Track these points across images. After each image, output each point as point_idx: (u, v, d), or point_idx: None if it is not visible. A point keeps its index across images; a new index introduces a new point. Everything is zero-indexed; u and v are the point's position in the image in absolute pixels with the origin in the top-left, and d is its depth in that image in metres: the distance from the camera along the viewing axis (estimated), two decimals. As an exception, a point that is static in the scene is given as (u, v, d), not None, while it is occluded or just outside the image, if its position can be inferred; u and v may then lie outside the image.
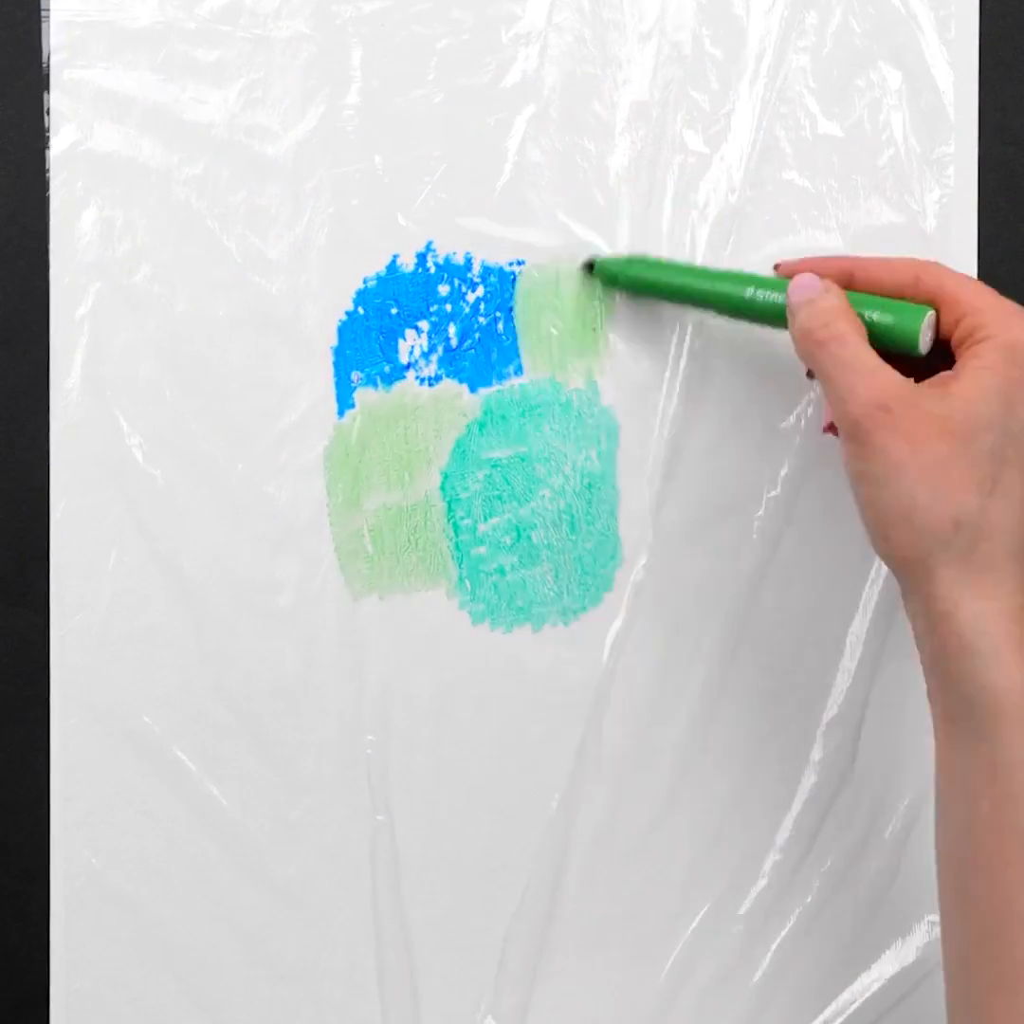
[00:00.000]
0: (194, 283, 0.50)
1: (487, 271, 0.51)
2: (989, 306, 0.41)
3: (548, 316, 0.51)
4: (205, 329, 0.50)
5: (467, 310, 0.51)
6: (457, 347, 0.51)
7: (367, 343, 0.51)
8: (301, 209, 0.50)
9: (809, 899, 0.51)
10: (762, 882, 0.51)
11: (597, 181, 0.51)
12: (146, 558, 0.50)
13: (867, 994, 0.51)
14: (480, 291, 0.51)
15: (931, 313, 0.41)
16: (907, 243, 0.51)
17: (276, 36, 0.50)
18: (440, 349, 0.51)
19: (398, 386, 0.51)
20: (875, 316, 0.42)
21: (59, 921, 0.50)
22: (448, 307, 0.51)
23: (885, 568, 0.51)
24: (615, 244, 0.50)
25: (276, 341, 0.50)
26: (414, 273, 0.51)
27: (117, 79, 0.50)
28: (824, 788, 0.51)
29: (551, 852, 0.51)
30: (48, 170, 0.50)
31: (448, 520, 0.51)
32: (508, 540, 0.51)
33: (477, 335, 0.51)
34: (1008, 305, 0.41)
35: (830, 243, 0.51)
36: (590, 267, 0.50)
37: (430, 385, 0.51)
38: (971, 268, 0.51)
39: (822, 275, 0.43)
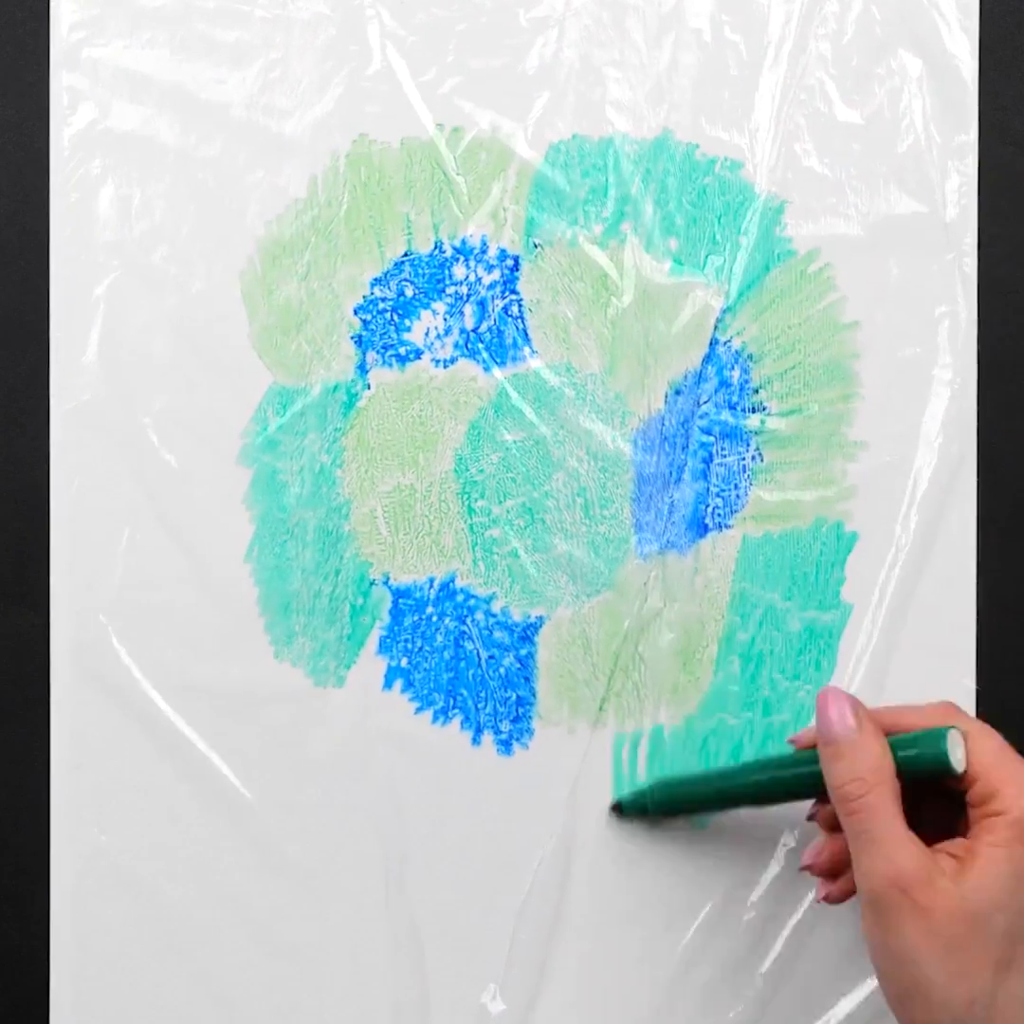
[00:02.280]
0: (211, 263, 0.50)
1: (503, 254, 0.51)
2: (1003, 774, 0.40)
3: (563, 300, 0.51)
4: (222, 309, 0.50)
5: (483, 292, 0.51)
6: (473, 329, 0.51)
7: (383, 325, 0.50)
8: (318, 190, 0.50)
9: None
10: (774, 869, 0.51)
11: (614, 167, 0.51)
12: (155, 544, 0.50)
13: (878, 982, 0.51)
14: (496, 274, 0.51)
15: (955, 731, 0.41)
16: (927, 231, 0.51)
17: (295, 16, 0.50)
18: (456, 331, 0.51)
19: (413, 367, 0.51)
20: (903, 748, 0.41)
21: (63, 902, 0.50)
22: (464, 289, 0.51)
23: (901, 554, 0.51)
24: (638, 229, 0.50)
25: (293, 322, 0.50)
26: (430, 255, 0.51)
27: (135, 58, 0.50)
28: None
29: (561, 838, 0.50)
30: (49, 168, 0.50)
31: (462, 502, 0.50)
32: (522, 523, 0.50)
33: (493, 317, 0.51)
34: (1021, 773, 0.41)
35: (849, 230, 0.51)
36: (619, 809, 0.50)
37: (445, 367, 0.51)
38: (966, 268, 0.51)
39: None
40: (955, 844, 0.41)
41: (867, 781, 0.41)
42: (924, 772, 0.41)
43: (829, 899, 0.44)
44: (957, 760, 0.41)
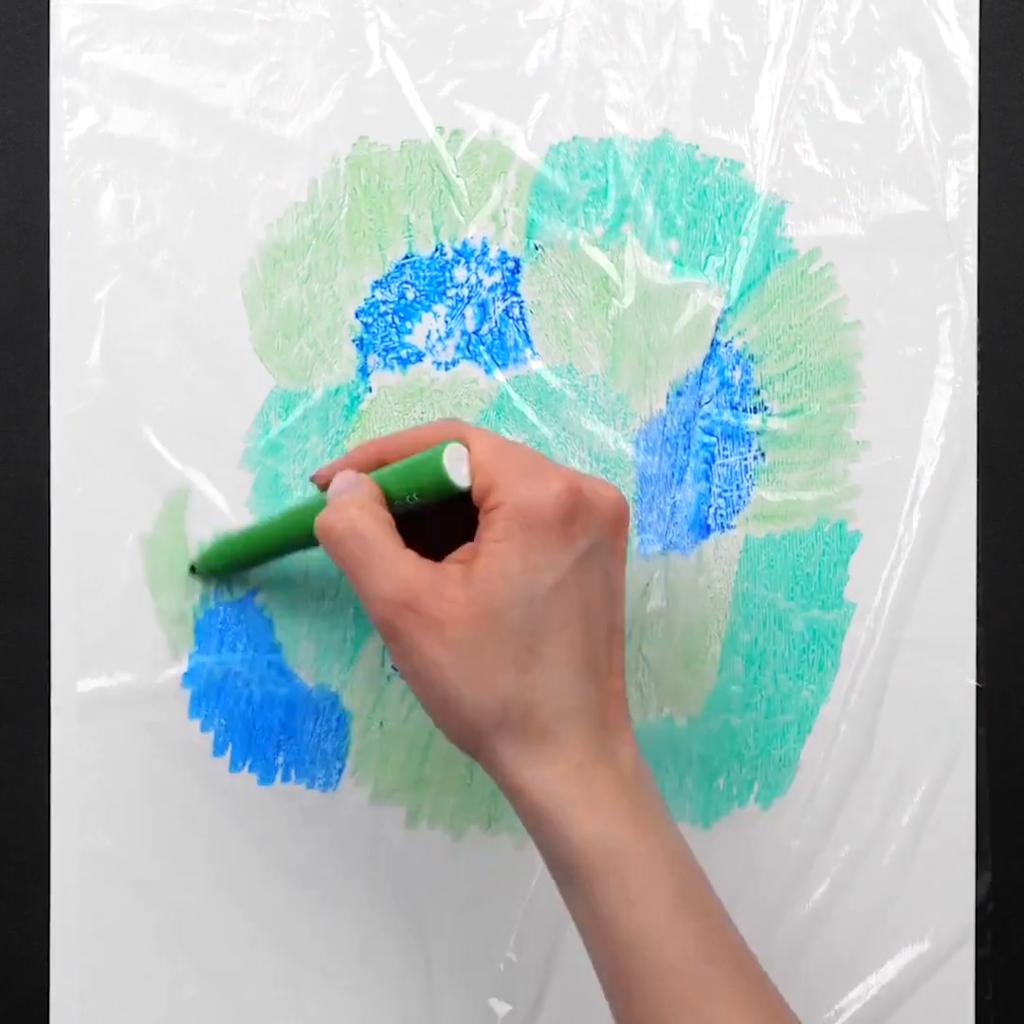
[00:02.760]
0: (212, 266, 0.50)
1: (504, 256, 0.51)
2: (502, 466, 0.39)
3: (564, 301, 0.51)
4: (223, 312, 0.50)
5: (484, 294, 0.51)
6: (474, 331, 0.51)
7: (384, 327, 0.50)
8: (318, 193, 0.50)
9: (825, 885, 0.51)
10: (779, 868, 0.51)
11: (614, 168, 0.51)
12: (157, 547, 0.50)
13: (882, 983, 0.51)
14: (497, 276, 0.51)
15: (454, 446, 0.40)
16: (927, 230, 0.51)
17: (294, 20, 0.50)
18: (457, 333, 0.51)
19: (415, 370, 0.51)
20: (402, 477, 0.41)
21: (63, 902, 0.50)
22: (465, 291, 0.51)
23: (903, 554, 0.51)
24: (639, 230, 0.50)
25: (294, 325, 0.50)
26: (431, 257, 0.51)
27: (135, 62, 0.50)
28: (841, 775, 0.51)
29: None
30: (49, 170, 0.50)
31: (464, 504, 0.50)
32: (524, 525, 0.50)
33: (494, 320, 0.51)
34: (522, 462, 0.40)
35: (850, 230, 0.51)
36: (192, 570, 0.50)
37: (447, 369, 0.51)
38: (967, 267, 0.51)
39: (356, 468, 0.42)
40: (463, 549, 0.40)
41: (347, 511, 0.40)
42: (431, 493, 0.40)
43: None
44: (461, 476, 0.39)
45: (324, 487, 0.44)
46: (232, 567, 0.49)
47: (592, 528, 0.39)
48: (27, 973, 0.50)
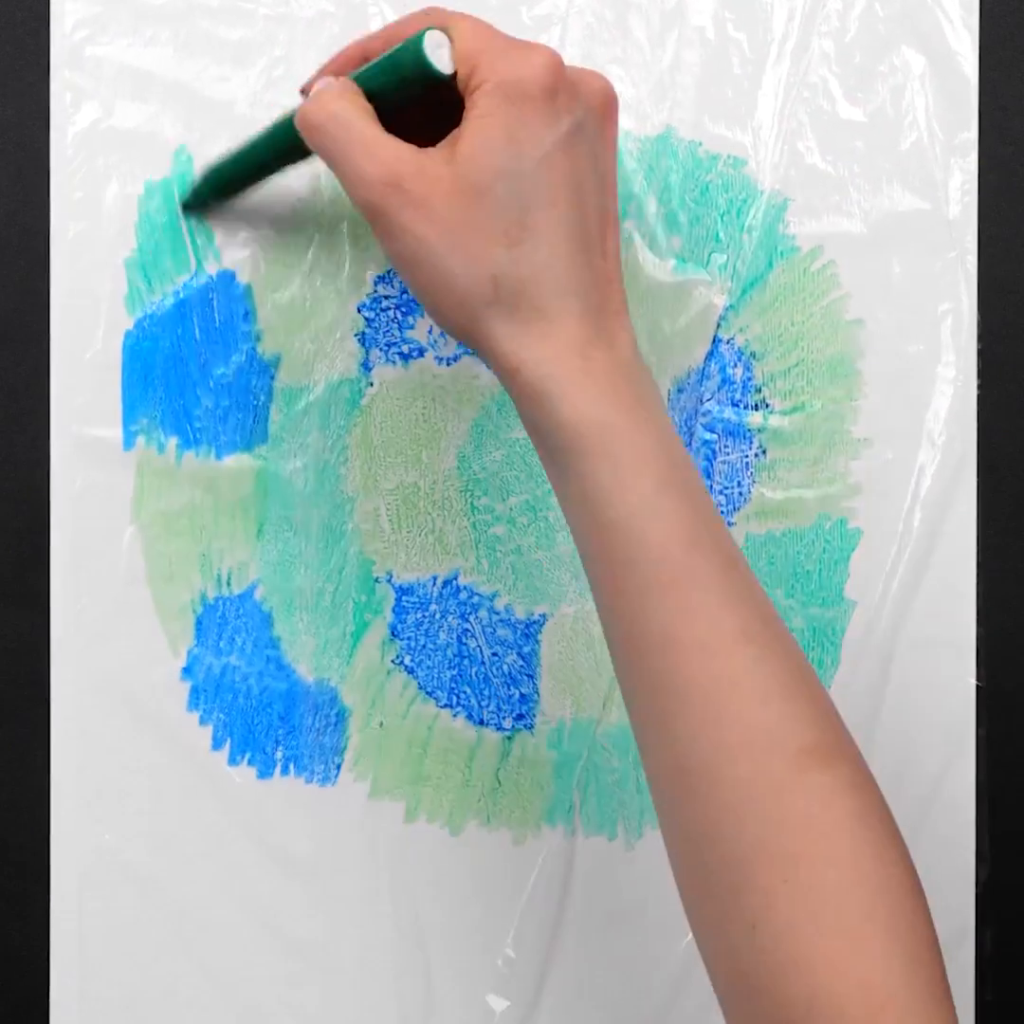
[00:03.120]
0: (215, 261, 0.50)
1: (507, 251, 0.51)
2: (484, 45, 0.38)
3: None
4: (225, 306, 0.50)
5: (486, 290, 0.51)
6: (476, 327, 0.51)
7: (387, 322, 0.50)
8: (322, 188, 0.50)
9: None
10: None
11: (619, 180, 0.50)
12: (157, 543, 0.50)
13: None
14: (500, 271, 0.51)
15: (434, 32, 0.39)
16: (930, 228, 0.51)
17: (298, 14, 0.50)
18: (459, 329, 0.51)
19: (417, 365, 0.51)
20: (383, 68, 0.40)
21: (63, 902, 0.50)
22: (467, 287, 0.51)
23: (904, 552, 0.51)
24: (641, 226, 0.50)
25: (296, 321, 0.50)
26: (434, 253, 0.50)
27: (138, 56, 0.50)
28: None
29: (564, 834, 0.51)
30: (49, 170, 0.50)
31: (466, 499, 0.50)
32: (525, 520, 0.51)
33: (496, 315, 0.50)
34: (503, 41, 0.39)
35: (852, 228, 0.51)
36: (186, 207, 0.50)
37: (449, 365, 0.51)
38: (969, 265, 0.51)
39: (345, 73, 0.41)
40: (450, 135, 0.39)
41: (324, 99, 0.39)
42: (415, 83, 0.39)
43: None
44: (443, 62, 0.39)
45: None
46: (223, 194, 0.49)
47: (577, 107, 0.39)
48: (27, 973, 0.50)
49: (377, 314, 0.51)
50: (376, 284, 0.51)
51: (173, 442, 0.50)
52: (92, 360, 0.50)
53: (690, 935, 0.50)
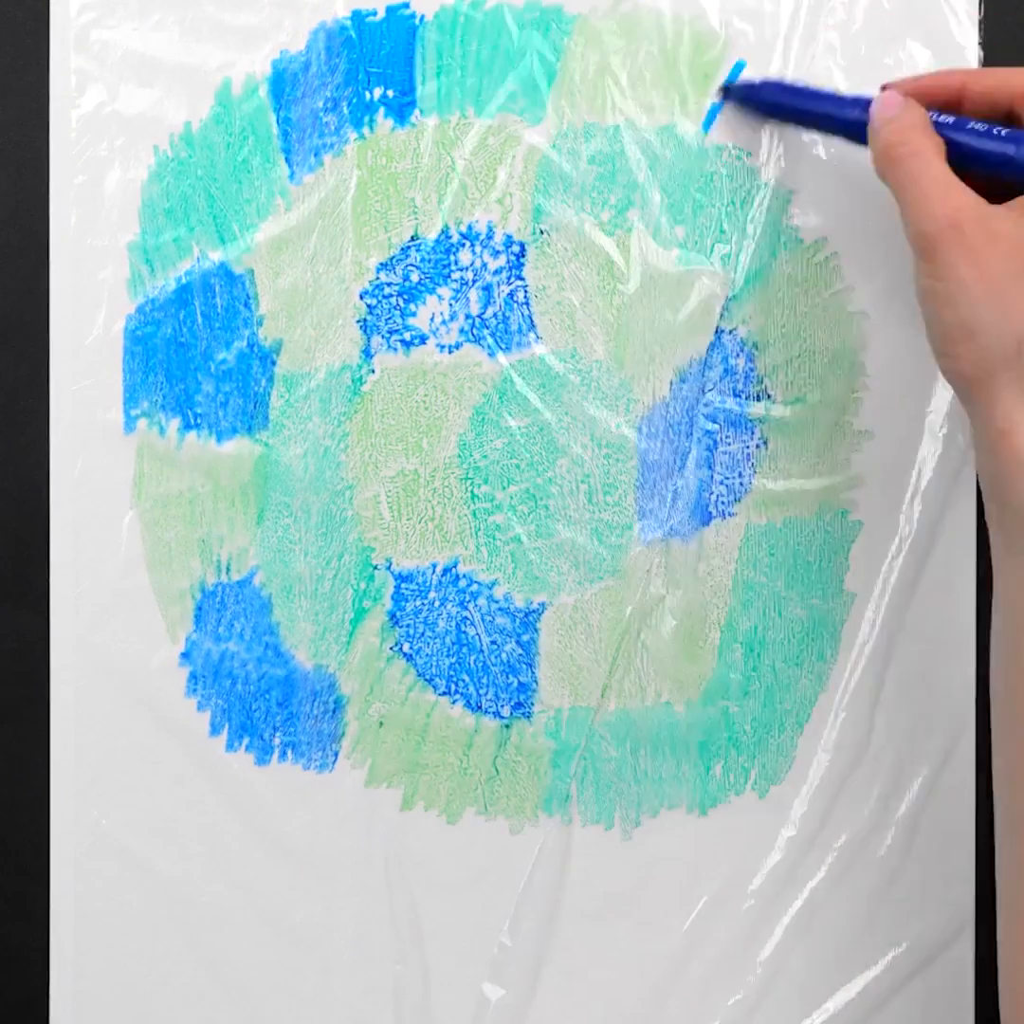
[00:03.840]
0: (218, 247, 0.50)
1: (509, 240, 0.51)
2: None
3: (569, 286, 0.51)
4: (228, 292, 0.50)
5: (488, 278, 0.51)
6: (478, 315, 0.51)
7: (388, 309, 0.51)
8: (325, 174, 0.50)
9: (822, 875, 0.51)
10: (775, 857, 0.51)
11: (622, 154, 0.50)
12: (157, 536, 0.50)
13: (877, 975, 0.51)
14: (502, 259, 0.51)
15: None
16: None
17: (305, 0, 0.50)
18: (461, 316, 0.51)
19: (418, 352, 0.51)
20: (973, 142, 0.42)
21: (63, 901, 0.50)
22: (470, 275, 0.51)
23: (904, 544, 0.51)
24: (645, 216, 0.50)
25: (298, 307, 0.50)
26: (437, 240, 0.51)
27: (144, 40, 0.50)
28: (839, 764, 0.51)
29: (560, 823, 0.51)
30: (49, 172, 0.50)
31: (466, 488, 0.50)
32: (525, 509, 0.50)
33: (498, 303, 0.51)
34: None
35: (856, 220, 0.51)
36: (726, 91, 0.50)
37: (450, 352, 0.51)
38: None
39: (932, 104, 0.44)
40: (1018, 200, 0.40)
41: (910, 133, 0.42)
42: (995, 166, 0.41)
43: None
44: None
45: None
46: (761, 110, 0.50)
47: None
48: (27, 973, 0.50)
49: (379, 301, 0.51)
50: (378, 271, 0.51)
51: (174, 425, 0.50)
52: (93, 344, 0.50)
53: (686, 923, 0.51)
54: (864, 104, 0.46)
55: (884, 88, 0.46)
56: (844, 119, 0.47)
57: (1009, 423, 0.39)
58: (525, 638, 0.51)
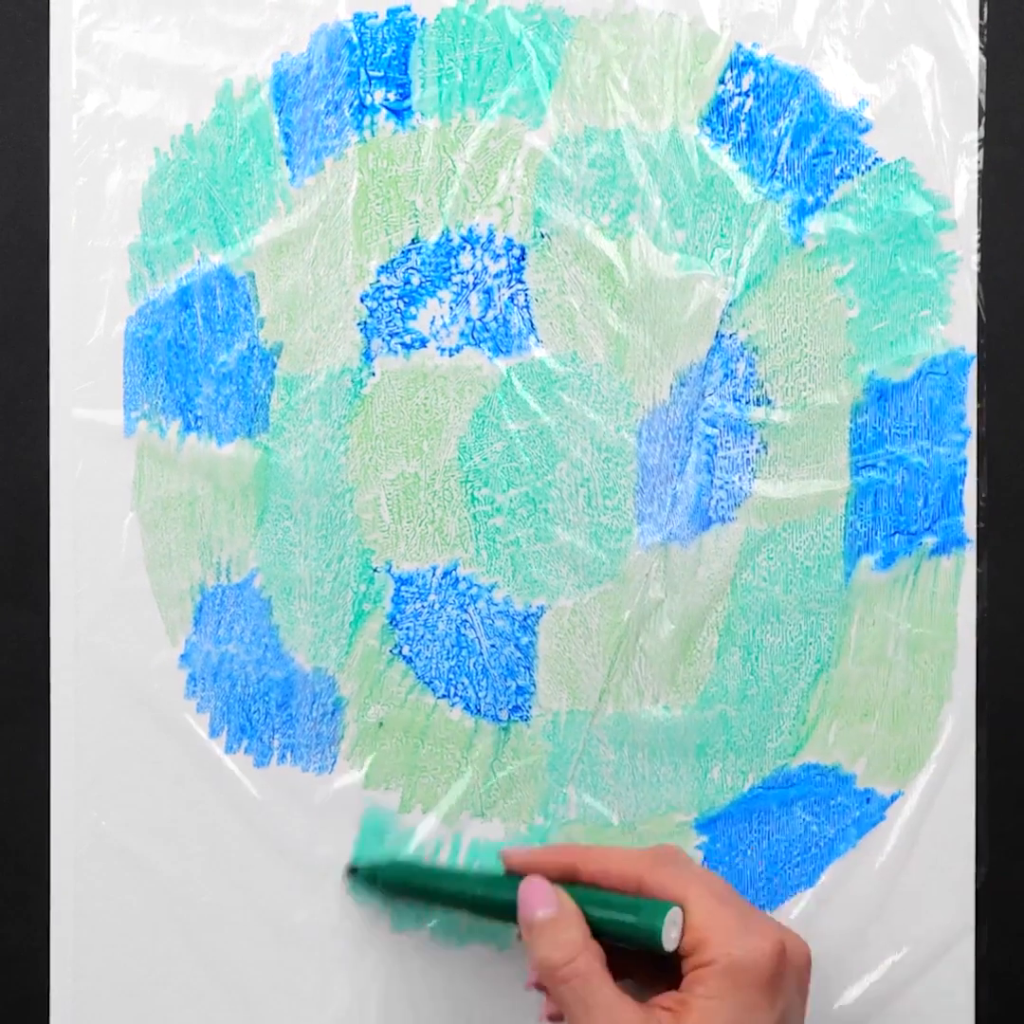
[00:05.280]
0: (218, 249, 0.50)
1: (510, 243, 0.51)
2: (716, 923, 0.40)
3: (569, 290, 0.51)
4: (229, 295, 0.50)
5: (489, 281, 0.51)
6: (478, 318, 0.51)
7: (389, 312, 0.51)
8: (326, 177, 0.50)
9: (822, 879, 0.51)
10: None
11: (623, 158, 0.50)
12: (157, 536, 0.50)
13: (878, 980, 0.51)
14: (502, 263, 0.51)
15: (675, 910, 0.41)
16: (934, 227, 0.51)
17: (306, 2, 0.50)
18: (461, 320, 0.51)
19: (419, 355, 0.51)
20: (613, 920, 0.42)
21: (63, 901, 0.50)
22: (470, 278, 0.51)
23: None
24: (646, 220, 0.50)
25: (298, 310, 0.50)
26: (437, 243, 0.51)
27: (146, 42, 0.50)
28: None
29: (559, 824, 0.51)
30: (49, 171, 0.50)
31: (466, 491, 0.50)
32: (525, 512, 0.51)
33: (498, 307, 0.51)
34: (734, 919, 0.41)
35: (857, 226, 0.51)
36: (353, 871, 0.50)
37: (451, 355, 0.51)
38: (971, 267, 0.51)
39: (549, 875, 0.44)
40: (669, 997, 0.41)
41: (570, 951, 0.41)
42: (634, 945, 0.41)
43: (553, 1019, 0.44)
44: (671, 940, 0.41)
45: (511, 870, 0.45)
46: (393, 892, 0.49)
47: (791, 985, 0.41)
48: (27, 973, 0.50)
49: (379, 303, 0.51)
50: (379, 274, 0.51)
51: (174, 427, 0.50)
52: (94, 346, 0.50)
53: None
54: (503, 883, 0.45)
55: (501, 855, 0.45)
56: (486, 900, 0.46)
57: None
58: (524, 641, 0.51)
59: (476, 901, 0.46)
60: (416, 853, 0.50)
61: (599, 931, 0.42)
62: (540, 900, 0.43)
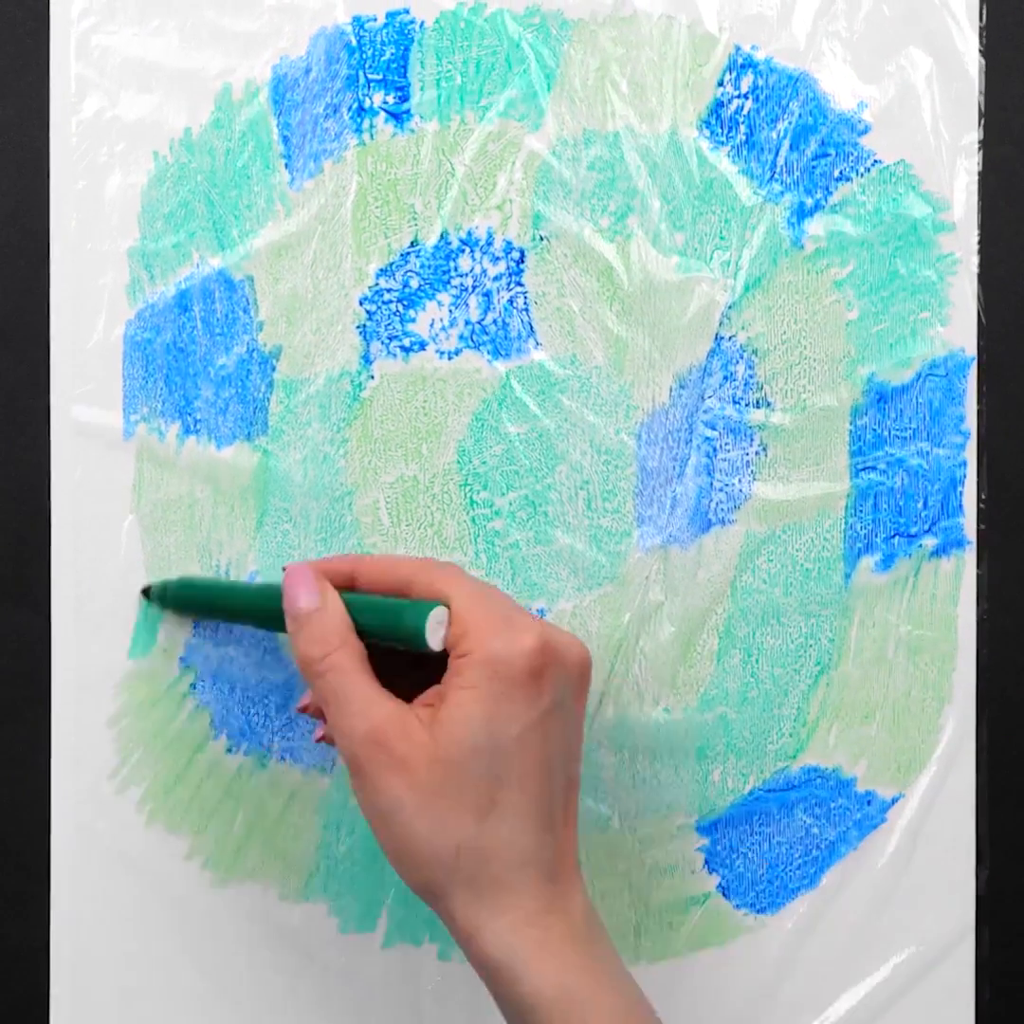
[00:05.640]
0: (217, 252, 0.50)
1: (509, 246, 0.51)
2: (477, 617, 0.40)
3: (569, 292, 0.51)
4: (227, 298, 0.50)
5: (488, 284, 0.51)
6: (477, 321, 0.51)
7: (388, 315, 0.51)
8: (325, 179, 0.50)
9: (824, 882, 0.51)
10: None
11: (622, 175, 0.50)
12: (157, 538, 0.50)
13: (880, 982, 0.51)
14: (502, 266, 0.51)
15: (439, 609, 0.41)
16: (933, 229, 0.51)
17: (305, 5, 0.50)
18: (460, 323, 0.51)
19: (418, 358, 0.51)
20: (380, 620, 0.42)
21: (63, 901, 0.50)
22: (469, 281, 0.51)
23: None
24: (645, 223, 0.50)
25: (298, 313, 0.50)
26: (436, 246, 0.51)
27: (144, 46, 0.50)
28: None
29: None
30: (49, 171, 0.50)
31: (465, 494, 0.50)
32: (524, 515, 0.50)
33: (498, 310, 0.51)
34: (497, 615, 0.40)
35: (856, 228, 0.51)
36: (146, 592, 0.50)
37: (450, 358, 0.51)
38: (971, 267, 0.51)
39: (329, 577, 0.43)
40: (431, 693, 0.41)
41: (329, 644, 0.41)
42: (403, 645, 0.41)
43: (325, 740, 0.44)
44: (437, 640, 0.40)
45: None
46: (185, 610, 0.50)
47: (559, 684, 0.40)
48: (27, 973, 0.50)
49: (378, 307, 0.51)
50: (378, 277, 0.51)
51: (174, 430, 0.50)
52: (93, 349, 0.50)
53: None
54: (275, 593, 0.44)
55: (284, 569, 0.44)
56: (258, 610, 0.46)
57: (470, 927, 0.39)
58: (524, 644, 0.51)
59: (260, 612, 0.46)
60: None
61: (369, 634, 0.42)
62: (304, 588, 0.42)
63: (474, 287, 0.51)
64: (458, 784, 0.39)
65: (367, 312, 0.51)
